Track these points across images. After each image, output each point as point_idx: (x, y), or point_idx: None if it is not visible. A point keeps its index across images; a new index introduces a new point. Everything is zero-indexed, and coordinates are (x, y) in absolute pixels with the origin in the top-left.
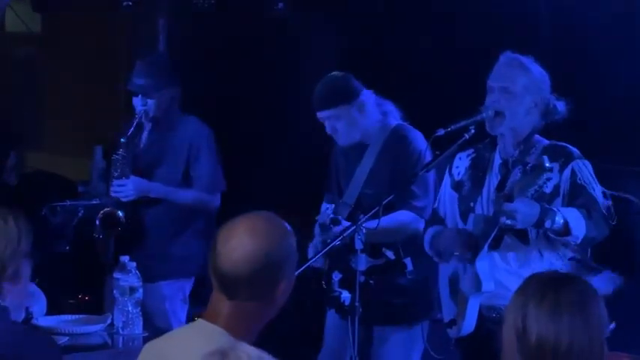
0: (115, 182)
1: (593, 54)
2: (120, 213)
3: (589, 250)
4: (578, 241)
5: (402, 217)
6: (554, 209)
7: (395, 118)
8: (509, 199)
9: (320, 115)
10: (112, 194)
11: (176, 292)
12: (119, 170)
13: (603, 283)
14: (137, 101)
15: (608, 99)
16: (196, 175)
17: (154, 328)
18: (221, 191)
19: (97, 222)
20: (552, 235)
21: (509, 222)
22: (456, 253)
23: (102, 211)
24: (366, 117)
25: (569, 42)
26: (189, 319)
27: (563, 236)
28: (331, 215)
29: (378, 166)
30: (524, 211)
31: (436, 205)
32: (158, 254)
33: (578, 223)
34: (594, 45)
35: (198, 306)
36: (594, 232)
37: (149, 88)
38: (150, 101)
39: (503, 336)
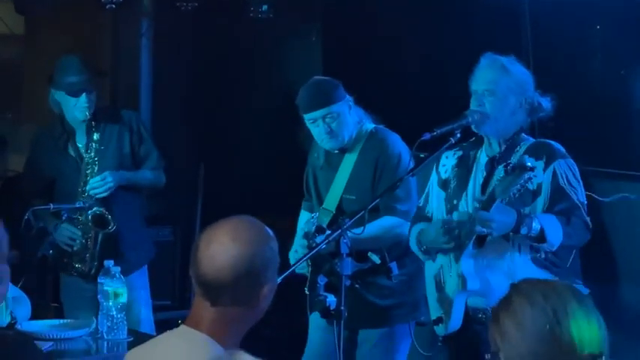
0: (96, 179)
1: (574, 64)
2: (107, 214)
3: (570, 258)
4: (554, 249)
5: (386, 222)
6: (532, 215)
7: (369, 122)
8: (487, 205)
9: (314, 115)
10: (98, 191)
11: (145, 281)
12: (93, 168)
13: None
14: (80, 102)
15: (585, 102)
16: (145, 154)
17: (138, 332)
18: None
19: (91, 224)
20: (528, 241)
21: (484, 230)
22: (444, 245)
23: (92, 213)
24: (352, 118)
25: (550, 49)
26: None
27: (538, 243)
28: (316, 224)
29: (357, 171)
30: (499, 219)
31: (422, 203)
32: (124, 246)
33: (554, 231)
34: (575, 55)
35: (184, 309)
36: (573, 239)
37: (89, 82)
38: (92, 96)
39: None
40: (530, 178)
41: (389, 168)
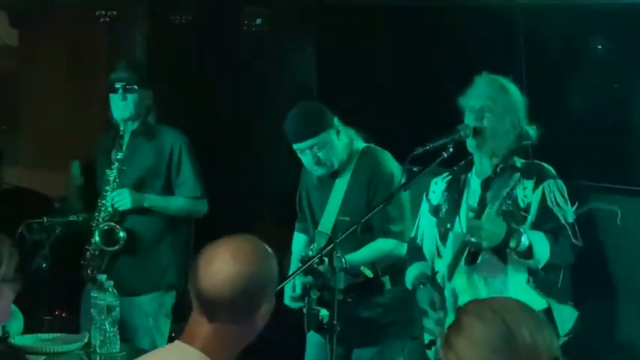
0: (113, 194)
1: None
2: (118, 231)
3: (559, 279)
4: (540, 266)
5: (383, 246)
6: (521, 230)
7: (360, 141)
8: (480, 213)
9: (302, 145)
10: (115, 205)
11: (158, 307)
12: (114, 182)
13: (567, 315)
14: (116, 99)
15: (580, 116)
16: (181, 181)
17: (137, 346)
18: (206, 197)
19: (97, 238)
20: (515, 256)
21: (474, 240)
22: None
23: (101, 227)
24: (341, 142)
25: (544, 62)
26: (171, 335)
27: (525, 259)
28: (315, 258)
29: (351, 192)
30: (489, 228)
31: (413, 233)
32: (138, 266)
33: (542, 248)
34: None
35: (180, 321)
36: (559, 258)
37: (130, 80)
38: (130, 96)
39: None
40: (519, 181)
41: (382, 186)
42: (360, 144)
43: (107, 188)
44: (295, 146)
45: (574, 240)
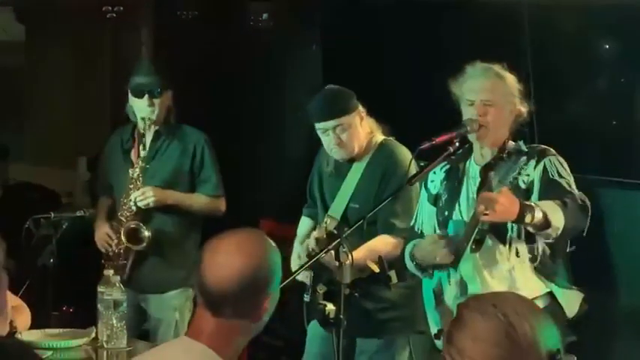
0: (137, 193)
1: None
2: (143, 230)
3: (562, 262)
4: (558, 233)
5: (383, 247)
6: (532, 204)
7: (379, 133)
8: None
9: (324, 125)
10: (138, 203)
11: (184, 300)
12: (137, 180)
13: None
14: (141, 104)
15: (586, 112)
16: (204, 179)
17: (164, 340)
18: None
19: (123, 236)
20: (532, 230)
21: (487, 213)
22: (437, 259)
23: (126, 226)
24: (363, 130)
25: (550, 59)
26: None
27: (543, 230)
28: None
29: (364, 181)
30: (504, 202)
31: (413, 222)
32: (165, 265)
33: (556, 214)
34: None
35: None
36: (573, 221)
37: (156, 85)
38: (156, 101)
39: None
40: (525, 164)
41: (394, 181)
42: (379, 136)
43: (130, 186)
44: (319, 125)
45: (582, 203)
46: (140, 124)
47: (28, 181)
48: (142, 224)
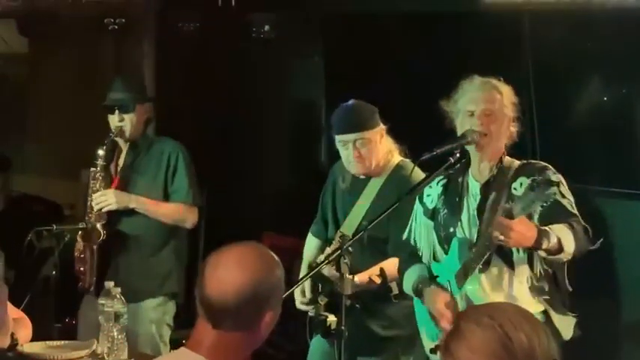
0: (97, 194)
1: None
2: (98, 225)
3: (556, 283)
4: (569, 258)
5: (393, 269)
6: (547, 229)
7: (397, 154)
8: (510, 214)
9: (346, 137)
10: (95, 206)
11: (162, 315)
12: (99, 183)
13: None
14: (113, 118)
15: (587, 121)
16: (176, 188)
17: (140, 353)
18: (198, 207)
19: (79, 238)
20: (544, 255)
21: (501, 238)
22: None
23: (80, 232)
24: (383, 147)
25: (551, 68)
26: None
27: (556, 254)
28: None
29: (378, 201)
30: (521, 230)
31: (407, 235)
32: (141, 271)
33: (567, 239)
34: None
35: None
36: (580, 245)
37: (127, 101)
38: (126, 116)
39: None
40: (554, 194)
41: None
42: (397, 157)
43: (94, 188)
44: (340, 137)
45: (585, 224)
46: (115, 138)
47: (30, 193)
48: (99, 226)
